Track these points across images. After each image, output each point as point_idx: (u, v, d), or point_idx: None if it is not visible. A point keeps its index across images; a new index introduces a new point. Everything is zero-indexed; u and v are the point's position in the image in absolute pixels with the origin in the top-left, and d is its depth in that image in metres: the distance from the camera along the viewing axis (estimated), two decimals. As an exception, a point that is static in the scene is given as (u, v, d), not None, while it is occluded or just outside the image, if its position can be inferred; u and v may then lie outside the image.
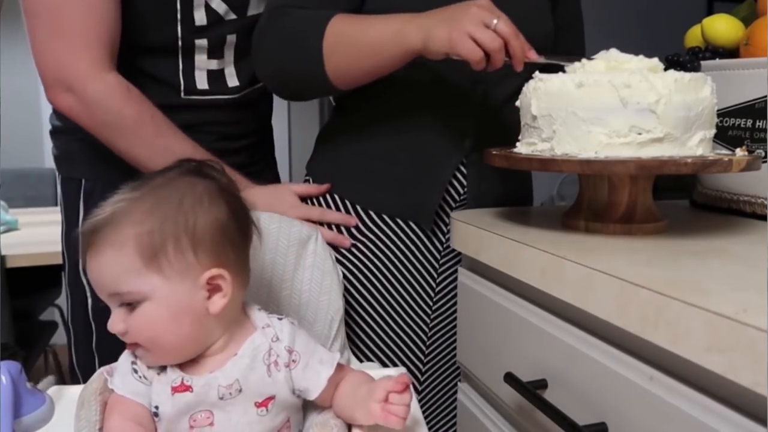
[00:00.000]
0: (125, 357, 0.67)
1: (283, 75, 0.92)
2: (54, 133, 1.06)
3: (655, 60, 0.73)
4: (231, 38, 0.99)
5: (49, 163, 1.10)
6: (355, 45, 0.84)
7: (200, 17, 0.95)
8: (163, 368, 0.65)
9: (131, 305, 0.63)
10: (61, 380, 1.08)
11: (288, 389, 0.66)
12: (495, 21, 0.76)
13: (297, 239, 0.88)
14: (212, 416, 0.63)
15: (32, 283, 1.66)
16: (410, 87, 0.93)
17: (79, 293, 1.02)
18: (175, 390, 0.63)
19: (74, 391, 0.75)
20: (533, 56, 0.79)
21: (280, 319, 0.69)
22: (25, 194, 2.45)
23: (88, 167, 1.01)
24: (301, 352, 0.68)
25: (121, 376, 0.65)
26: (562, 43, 1.02)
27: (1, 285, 1.58)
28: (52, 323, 2.13)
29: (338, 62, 0.85)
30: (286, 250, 0.88)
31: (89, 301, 1.00)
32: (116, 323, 0.63)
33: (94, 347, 1.01)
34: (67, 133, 1.02)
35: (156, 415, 0.64)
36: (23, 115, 2.87)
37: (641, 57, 0.73)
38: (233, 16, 0.98)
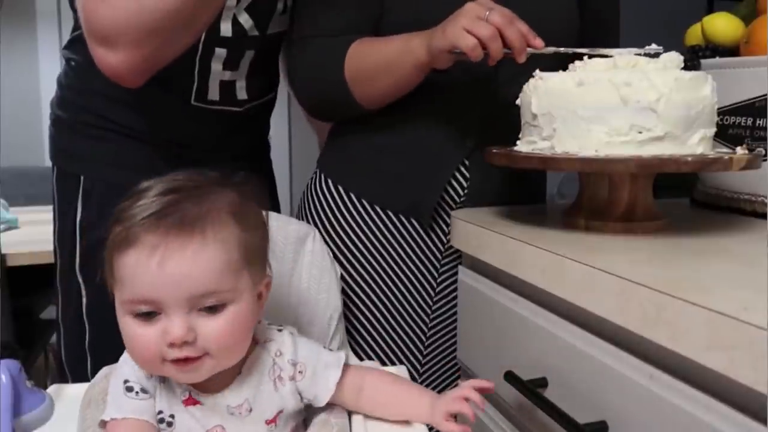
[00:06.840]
0: (114, 383, 0.64)
1: (320, 106, 0.99)
2: (56, 123, 1.02)
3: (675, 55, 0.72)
4: (249, 53, 0.99)
5: (50, 161, 1.05)
6: (373, 69, 0.88)
7: (226, 29, 0.95)
8: (164, 378, 0.64)
9: (213, 309, 0.58)
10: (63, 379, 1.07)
11: (295, 401, 0.66)
12: (487, 12, 0.77)
13: (295, 237, 0.88)
14: (224, 430, 0.63)
15: (33, 281, 1.65)
16: (420, 86, 0.93)
17: (72, 291, 0.99)
18: (186, 402, 0.63)
19: (74, 389, 0.75)
20: (538, 44, 0.78)
21: (279, 330, 0.69)
22: (26, 192, 2.44)
23: (89, 165, 0.99)
24: (306, 361, 0.66)
25: (114, 401, 0.63)
26: (591, 38, 0.97)
27: (1, 283, 1.58)
28: (52, 322, 2.11)
29: (363, 88, 0.90)
30: (284, 248, 0.88)
31: (84, 299, 0.98)
32: (186, 331, 0.57)
33: (87, 347, 0.99)
34: (72, 127, 0.99)
35: (170, 424, 0.63)
36: (23, 114, 2.87)
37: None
38: (256, 33, 0.98)
